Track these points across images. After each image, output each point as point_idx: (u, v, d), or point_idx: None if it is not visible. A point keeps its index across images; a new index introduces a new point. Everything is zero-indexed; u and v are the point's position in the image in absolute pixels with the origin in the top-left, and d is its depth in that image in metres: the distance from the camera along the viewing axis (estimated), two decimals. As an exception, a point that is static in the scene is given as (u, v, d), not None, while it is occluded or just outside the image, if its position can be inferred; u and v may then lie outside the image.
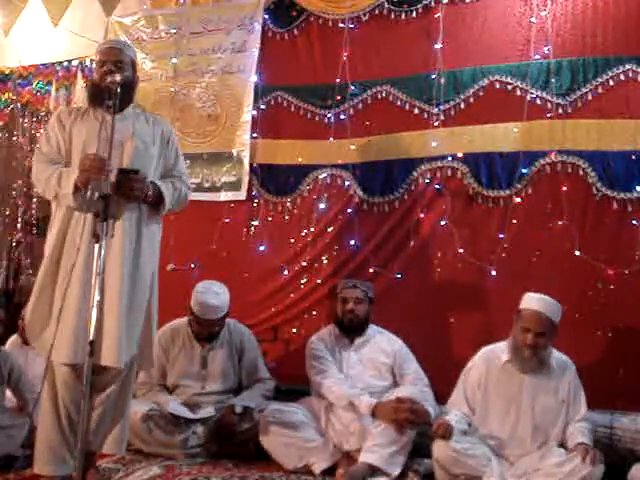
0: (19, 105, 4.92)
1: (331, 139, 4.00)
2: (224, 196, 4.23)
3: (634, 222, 3.39)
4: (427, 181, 3.79)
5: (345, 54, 3.99)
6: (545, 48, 3.61)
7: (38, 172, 2.65)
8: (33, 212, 4.74)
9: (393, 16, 3.97)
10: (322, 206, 3.99)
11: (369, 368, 3.30)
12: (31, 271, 4.67)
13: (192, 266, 4.17)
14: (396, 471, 2.93)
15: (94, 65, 2.91)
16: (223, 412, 3.29)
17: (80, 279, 2.47)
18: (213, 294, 3.44)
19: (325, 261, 3.95)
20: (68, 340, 2.45)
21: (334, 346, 3.37)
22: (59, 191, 2.55)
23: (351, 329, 3.36)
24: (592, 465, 2.57)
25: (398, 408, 2.98)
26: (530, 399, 2.87)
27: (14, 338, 3.57)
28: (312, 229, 4.00)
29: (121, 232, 2.52)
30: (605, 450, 2.84)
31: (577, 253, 3.43)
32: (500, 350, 2.98)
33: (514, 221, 3.58)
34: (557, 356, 2.95)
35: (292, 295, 3.99)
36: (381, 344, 3.36)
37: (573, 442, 2.74)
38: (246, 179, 4.18)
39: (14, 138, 4.93)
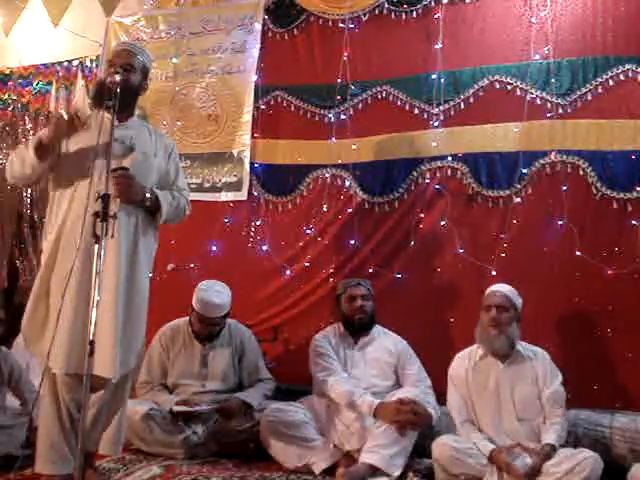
0: (19, 105, 4.92)
1: (331, 139, 4.00)
2: (225, 196, 4.22)
3: (634, 222, 3.39)
4: (427, 181, 3.79)
5: (345, 54, 3.99)
6: (545, 48, 3.61)
7: (12, 161, 2.62)
8: (35, 211, 4.73)
9: (393, 16, 3.97)
10: (322, 206, 3.99)
11: (373, 368, 3.30)
12: (34, 258, 4.67)
13: (192, 266, 4.17)
14: (396, 472, 2.93)
15: (100, 65, 2.89)
16: (228, 399, 3.32)
17: (78, 282, 2.45)
18: (215, 292, 3.45)
19: (325, 261, 3.95)
20: (63, 350, 2.44)
21: (338, 344, 3.38)
22: (27, 154, 2.53)
23: (360, 327, 3.37)
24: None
25: (400, 409, 2.98)
26: (509, 390, 2.90)
27: None
28: (312, 229, 4.00)
29: (119, 236, 2.48)
30: (605, 450, 2.85)
31: (577, 253, 3.43)
32: (474, 349, 3.04)
33: (514, 221, 3.58)
34: (530, 347, 3.01)
35: (292, 295, 3.99)
36: (385, 344, 3.37)
37: (543, 440, 2.76)
38: (247, 179, 4.17)
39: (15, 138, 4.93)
